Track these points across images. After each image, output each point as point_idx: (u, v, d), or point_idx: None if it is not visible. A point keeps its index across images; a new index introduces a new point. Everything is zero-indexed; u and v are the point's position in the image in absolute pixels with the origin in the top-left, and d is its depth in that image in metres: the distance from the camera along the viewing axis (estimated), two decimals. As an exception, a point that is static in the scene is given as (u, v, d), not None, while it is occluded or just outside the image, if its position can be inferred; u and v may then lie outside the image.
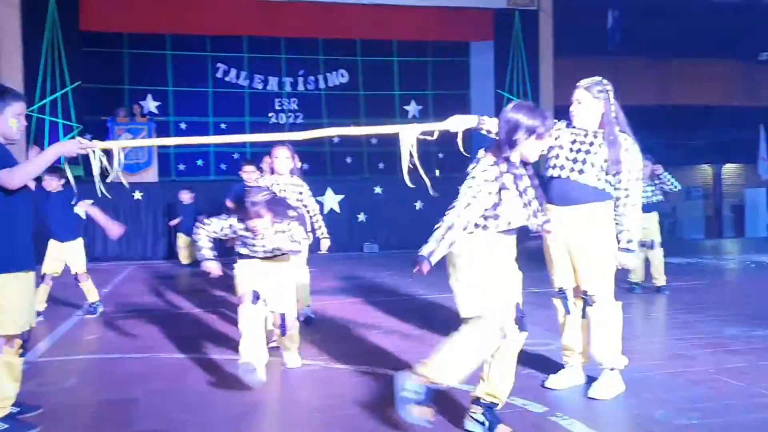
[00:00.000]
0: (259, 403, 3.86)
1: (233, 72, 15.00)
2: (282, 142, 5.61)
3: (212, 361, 4.72)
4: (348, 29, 14.63)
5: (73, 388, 4.23)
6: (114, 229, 5.87)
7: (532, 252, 7.96)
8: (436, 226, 2.99)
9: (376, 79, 15.52)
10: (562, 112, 4.23)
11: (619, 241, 3.75)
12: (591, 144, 3.77)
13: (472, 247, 3.06)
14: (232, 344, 4.88)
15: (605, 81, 3.83)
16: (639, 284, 7.64)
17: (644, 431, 3.32)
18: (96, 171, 3.39)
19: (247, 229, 4.10)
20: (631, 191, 3.74)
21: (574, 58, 14.21)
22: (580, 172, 3.74)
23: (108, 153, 3.45)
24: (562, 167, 3.79)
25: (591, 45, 15.31)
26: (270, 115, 14.96)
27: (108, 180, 3.57)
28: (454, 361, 3.04)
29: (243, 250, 4.24)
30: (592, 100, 3.77)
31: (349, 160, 15.16)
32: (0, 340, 3.27)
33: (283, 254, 4.25)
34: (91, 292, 6.68)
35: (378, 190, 13.34)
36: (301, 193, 5.67)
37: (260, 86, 15.10)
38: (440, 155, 14.49)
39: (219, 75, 14.92)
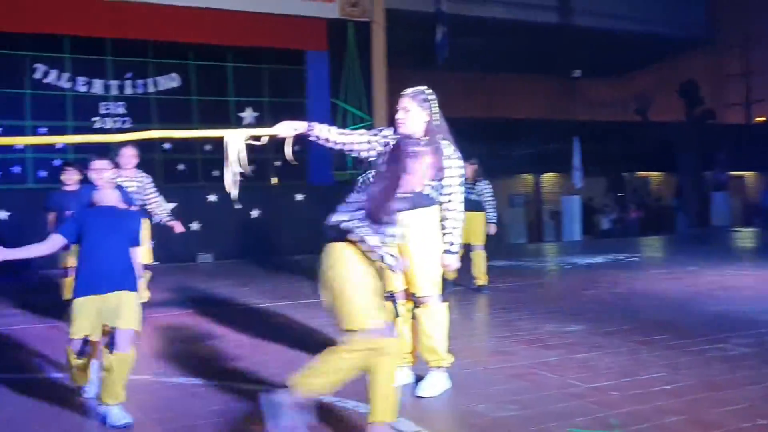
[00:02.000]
0: (84, 424, 3.61)
1: (54, 73, 14.00)
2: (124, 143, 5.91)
3: (32, 381, 4.36)
4: (180, 32, 14.14)
5: None
6: None
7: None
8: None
9: (210, 85, 15.12)
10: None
11: (444, 244, 3.92)
12: (416, 151, 3.90)
13: None
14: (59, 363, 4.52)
15: (428, 90, 3.98)
16: (455, 284, 8.11)
17: (467, 425, 3.47)
18: None
19: None
20: (454, 196, 3.92)
21: (407, 71, 14.70)
22: (407, 178, 3.86)
23: None
24: (390, 174, 3.89)
25: (422, 58, 15.92)
26: (94, 119, 14.12)
27: None
28: None
29: None
30: (417, 108, 3.91)
31: (181, 167, 14.67)
32: None
33: None
34: None
35: (212, 198, 12.99)
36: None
37: (84, 89, 14.22)
38: (276, 163, 14.43)
39: (37, 76, 13.86)
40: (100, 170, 5.23)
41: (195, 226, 12.74)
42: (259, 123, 15.04)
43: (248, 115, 15.43)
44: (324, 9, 14.85)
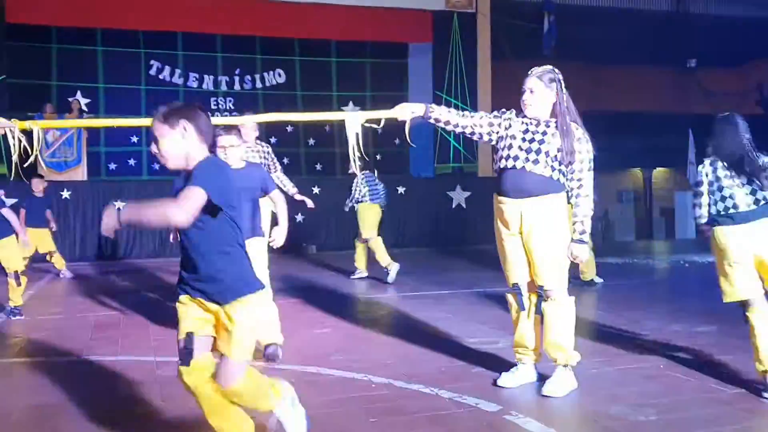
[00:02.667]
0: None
1: (167, 69, 14.53)
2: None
3: (145, 365, 4.42)
4: (285, 28, 14.35)
5: (-9, 395, 3.88)
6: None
7: (472, 252, 7.89)
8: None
9: (313, 80, 15.30)
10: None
11: (573, 233, 3.67)
12: (544, 134, 3.67)
13: None
14: (167, 348, 4.58)
15: (557, 70, 3.74)
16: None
17: (601, 427, 3.22)
18: (14, 153, 3.08)
19: None
20: (584, 182, 3.66)
21: (511, 62, 14.30)
22: (535, 162, 3.64)
23: (29, 135, 3.15)
24: (516, 158, 3.67)
25: (528, 49, 15.45)
26: (205, 113, 14.55)
27: (27, 164, 3.25)
28: None
29: None
30: (545, 89, 3.67)
31: (286, 161, 14.87)
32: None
33: None
34: (15, 293, 6.26)
35: (316, 190, 13.10)
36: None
37: (195, 85, 14.67)
38: (378, 156, 14.41)
39: (152, 72, 14.43)
40: (229, 147, 4.36)
41: (299, 217, 12.89)
42: (361, 117, 15.05)
43: (350, 109, 15.50)
44: (430, 1, 14.69)
